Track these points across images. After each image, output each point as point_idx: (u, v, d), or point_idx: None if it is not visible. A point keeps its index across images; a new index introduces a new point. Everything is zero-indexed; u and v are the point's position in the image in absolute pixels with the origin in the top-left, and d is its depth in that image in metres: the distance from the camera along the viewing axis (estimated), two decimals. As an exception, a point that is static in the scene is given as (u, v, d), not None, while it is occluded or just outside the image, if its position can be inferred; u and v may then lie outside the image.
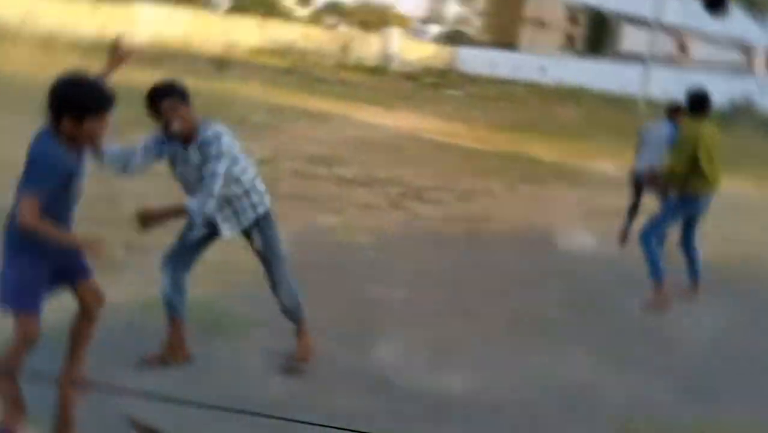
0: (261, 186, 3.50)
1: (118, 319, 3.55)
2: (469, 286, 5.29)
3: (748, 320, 5.09)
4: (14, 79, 10.64)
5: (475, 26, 45.42)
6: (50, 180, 2.53)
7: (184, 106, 3.23)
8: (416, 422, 3.28)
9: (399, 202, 7.78)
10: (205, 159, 3.20)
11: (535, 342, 4.31)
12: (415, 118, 15.73)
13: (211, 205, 3.22)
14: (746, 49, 27.62)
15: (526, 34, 36.29)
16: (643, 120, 15.37)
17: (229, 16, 35.21)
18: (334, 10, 46.19)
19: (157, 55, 20.26)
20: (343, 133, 12.21)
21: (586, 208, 8.12)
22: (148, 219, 3.12)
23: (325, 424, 2.29)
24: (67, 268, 2.75)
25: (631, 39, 29.83)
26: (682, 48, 26.10)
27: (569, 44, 34.26)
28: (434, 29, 46.85)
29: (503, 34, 38.76)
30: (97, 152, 2.96)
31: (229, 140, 3.29)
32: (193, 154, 3.25)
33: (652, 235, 5.23)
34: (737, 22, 27.46)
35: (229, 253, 4.05)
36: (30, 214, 2.48)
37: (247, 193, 3.41)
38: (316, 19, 42.75)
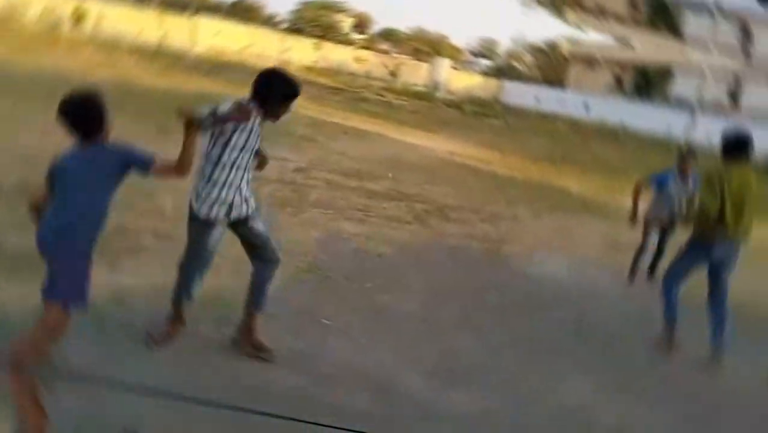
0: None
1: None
2: (481, 304, 5.43)
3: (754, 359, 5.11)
4: (71, 76, 11.30)
5: (526, 61, 45.66)
6: None
7: None
8: (408, 428, 3.45)
9: (424, 219, 8.00)
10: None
11: (536, 364, 4.45)
12: (453, 143, 15.99)
13: None
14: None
15: (574, 73, 36.33)
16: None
17: (286, 34, 36.27)
18: (389, 36, 47.06)
19: (214, 65, 21.15)
20: (380, 151, 12.55)
21: (609, 241, 8.19)
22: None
23: (326, 424, 2.42)
24: None
25: (681, 85, 29.57)
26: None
27: (617, 85, 34.12)
28: (484, 62, 47.22)
29: (552, 71, 38.90)
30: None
31: None
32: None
33: (672, 278, 5.12)
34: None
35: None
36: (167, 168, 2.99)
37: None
38: (370, 43, 43.63)
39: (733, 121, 23.57)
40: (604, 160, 16.07)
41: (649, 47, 33.87)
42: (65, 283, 2.75)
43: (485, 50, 48.14)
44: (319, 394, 3.51)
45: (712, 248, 4.92)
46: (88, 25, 22.74)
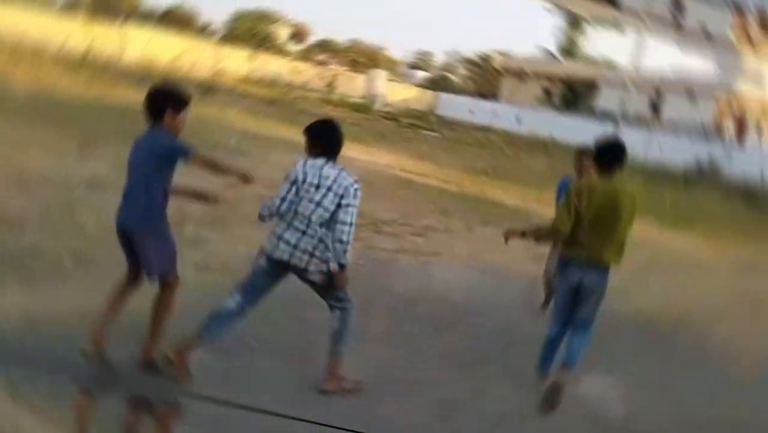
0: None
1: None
2: (409, 316, 5.49)
3: (667, 374, 5.22)
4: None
5: (460, 75, 46.61)
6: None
7: None
8: None
9: (356, 233, 8.00)
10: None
11: (466, 375, 4.54)
12: (389, 155, 16.13)
13: None
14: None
15: (506, 86, 37.35)
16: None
17: (220, 44, 35.72)
18: (326, 48, 47.06)
19: (143, 75, 20.59)
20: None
21: (538, 254, 8.43)
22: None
23: (326, 424, 2.38)
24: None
25: (606, 98, 30.84)
26: (741, 126, 26.81)
27: (546, 98, 35.29)
28: (421, 74, 47.90)
29: (486, 84, 39.87)
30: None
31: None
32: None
33: (554, 311, 4.49)
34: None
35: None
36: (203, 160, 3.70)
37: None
38: (306, 55, 43.52)
39: (654, 132, 24.79)
40: (535, 172, 16.55)
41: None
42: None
43: (421, 62, 48.83)
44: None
45: (570, 269, 4.26)
46: (9, 31, 21.75)
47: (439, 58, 48.66)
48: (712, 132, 26.39)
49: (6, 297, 2.88)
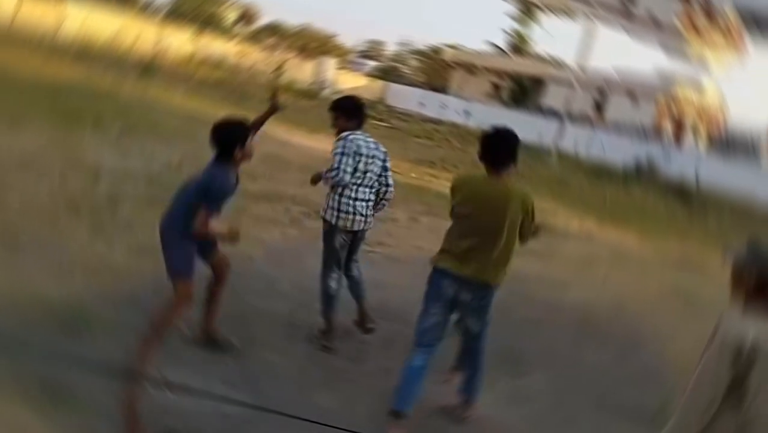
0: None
1: None
2: (349, 304, 5.40)
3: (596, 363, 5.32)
4: None
5: (411, 66, 46.67)
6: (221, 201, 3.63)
7: None
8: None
9: (300, 221, 7.86)
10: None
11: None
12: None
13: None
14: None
15: (455, 79, 37.60)
16: (553, 170, 16.23)
17: (164, 23, 34.58)
18: (275, 31, 46.24)
19: (81, 52, 19.71)
20: (259, 148, 12.16)
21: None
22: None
23: (326, 423, 2.43)
24: (202, 244, 3.74)
25: (552, 96, 31.45)
26: (679, 127, 27.54)
27: (495, 93, 35.71)
28: (371, 63, 47.75)
29: (436, 77, 40.05)
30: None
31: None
32: None
33: (417, 334, 3.67)
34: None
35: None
36: (203, 225, 3.52)
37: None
38: (255, 38, 42.66)
39: (597, 131, 25.41)
40: (479, 166, 16.71)
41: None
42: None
43: (372, 52, 48.63)
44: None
45: (447, 287, 3.57)
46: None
47: (390, 48, 48.60)
48: (652, 133, 27.28)
49: None
